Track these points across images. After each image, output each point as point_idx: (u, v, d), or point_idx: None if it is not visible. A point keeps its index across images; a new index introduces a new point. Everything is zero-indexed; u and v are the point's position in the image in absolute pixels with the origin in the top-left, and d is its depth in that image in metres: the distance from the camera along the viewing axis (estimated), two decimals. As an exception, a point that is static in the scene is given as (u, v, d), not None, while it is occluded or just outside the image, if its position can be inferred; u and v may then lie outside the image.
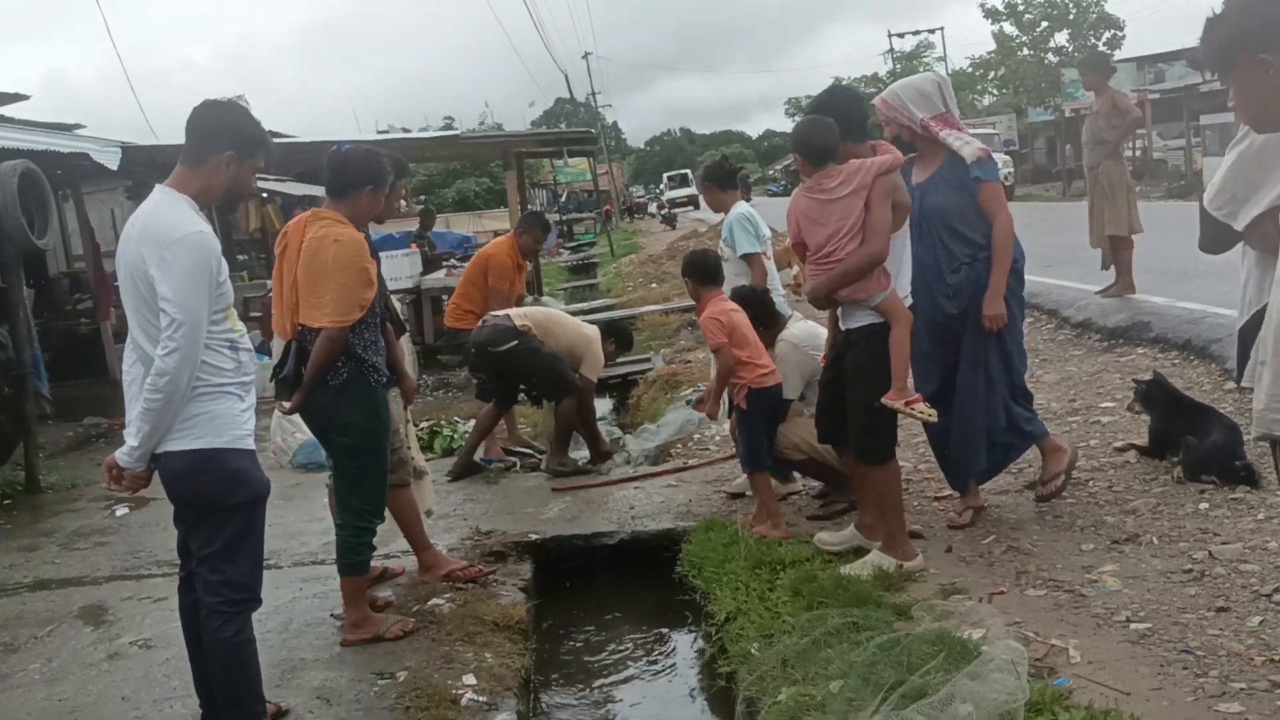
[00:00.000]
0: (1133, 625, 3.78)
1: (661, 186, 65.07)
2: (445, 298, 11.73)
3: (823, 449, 5.43)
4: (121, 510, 7.00)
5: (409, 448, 5.25)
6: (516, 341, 6.84)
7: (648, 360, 10.97)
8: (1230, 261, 3.29)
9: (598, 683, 4.92)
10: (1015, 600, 4.15)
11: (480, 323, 7.12)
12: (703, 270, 5.54)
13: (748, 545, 5.02)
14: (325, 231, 4.34)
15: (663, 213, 46.92)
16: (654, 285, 18.18)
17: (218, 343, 3.28)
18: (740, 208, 6.10)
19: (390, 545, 5.48)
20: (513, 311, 7.12)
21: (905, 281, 4.57)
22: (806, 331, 5.54)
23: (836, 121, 4.50)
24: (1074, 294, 9.94)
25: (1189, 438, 5.23)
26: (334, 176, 4.47)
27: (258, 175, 3.59)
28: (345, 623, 4.57)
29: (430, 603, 4.88)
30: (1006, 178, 29.94)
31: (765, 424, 5.34)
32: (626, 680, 4.91)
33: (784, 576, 4.64)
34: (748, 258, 5.92)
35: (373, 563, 4.81)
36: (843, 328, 4.62)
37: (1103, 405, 6.73)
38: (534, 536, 5.83)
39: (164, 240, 3.19)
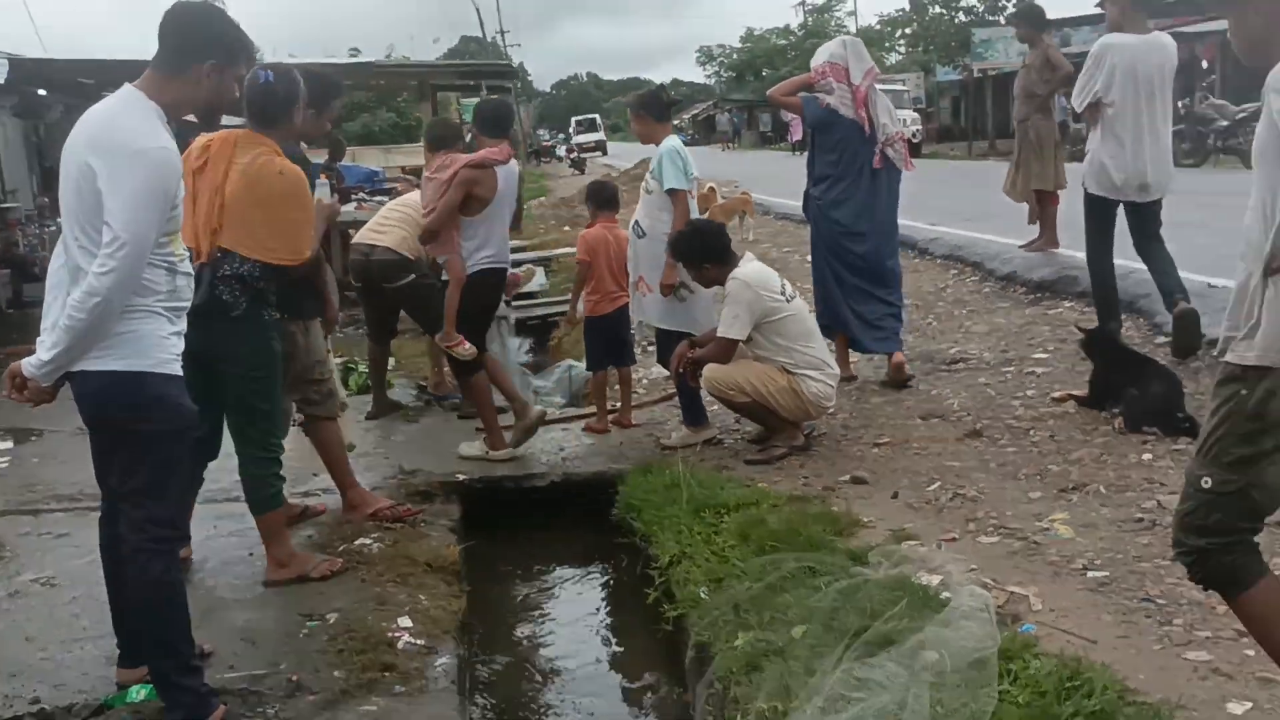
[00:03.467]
0: (1090, 573, 3.73)
1: (570, 131, 63.86)
2: (353, 232, 11.27)
3: (766, 393, 5.31)
4: (5, 443, 6.52)
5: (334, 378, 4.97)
6: (413, 276, 6.55)
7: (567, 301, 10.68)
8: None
9: (538, 626, 4.78)
10: (968, 546, 4.08)
11: (363, 253, 6.62)
12: (596, 196, 6.60)
13: (690, 489, 4.87)
14: (266, 161, 3.98)
15: (571, 157, 46.24)
16: (567, 228, 17.81)
17: (156, 262, 2.96)
18: (671, 141, 5.77)
19: (311, 483, 5.22)
20: (390, 235, 6.58)
21: (486, 254, 5.61)
22: (758, 271, 5.38)
23: (488, 124, 5.70)
24: (998, 248, 9.92)
25: (1131, 389, 5.22)
26: (260, 105, 4.08)
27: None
28: (268, 561, 4.30)
29: (357, 542, 4.63)
30: (915, 135, 30.09)
31: (601, 342, 6.42)
32: (568, 623, 4.77)
33: (729, 520, 4.50)
34: (672, 193, 5.63)
35: (294, 501, 4.53)
36: None
37: (1035, 356, 6.72)
38: (461, 477, 5.61)
39: (121, 150, 2.86)
